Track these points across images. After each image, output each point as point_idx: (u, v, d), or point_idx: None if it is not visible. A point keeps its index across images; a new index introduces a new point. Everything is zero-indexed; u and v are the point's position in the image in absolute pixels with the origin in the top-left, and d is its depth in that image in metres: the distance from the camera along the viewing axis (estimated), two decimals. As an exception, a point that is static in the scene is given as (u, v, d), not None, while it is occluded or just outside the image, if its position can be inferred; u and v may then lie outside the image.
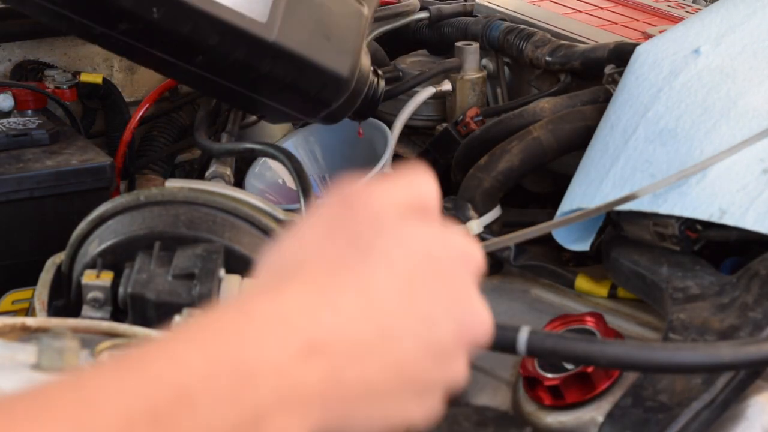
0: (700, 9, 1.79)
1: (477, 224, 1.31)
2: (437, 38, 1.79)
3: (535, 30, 1.65)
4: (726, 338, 1.04)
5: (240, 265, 1.15)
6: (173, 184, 1.22)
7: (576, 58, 1.55)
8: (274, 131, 1.65)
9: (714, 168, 1.13)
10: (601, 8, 1.85)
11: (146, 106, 1.72)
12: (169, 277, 1.10)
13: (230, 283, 1.12)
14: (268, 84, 1.29)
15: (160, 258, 1.13)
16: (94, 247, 1.17)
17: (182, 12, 1.19)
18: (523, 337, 0.92)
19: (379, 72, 1.48)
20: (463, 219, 1.31)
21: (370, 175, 1.49)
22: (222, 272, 1.12)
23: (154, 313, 1.09)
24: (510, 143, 1.34)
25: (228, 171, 1.50)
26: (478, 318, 0.70)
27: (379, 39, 1.79)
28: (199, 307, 1.00)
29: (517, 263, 1.30)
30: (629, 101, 1.26)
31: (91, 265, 1.16)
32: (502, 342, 0.93)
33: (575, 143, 1.33)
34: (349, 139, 1.63)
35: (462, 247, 0.66)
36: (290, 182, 1.53)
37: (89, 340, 0.92)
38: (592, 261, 1.32)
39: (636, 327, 1.18)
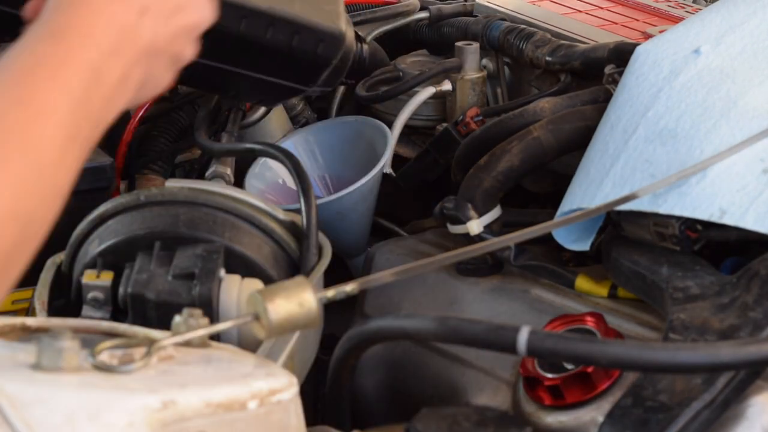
0: (700, 9, 1.79)
1: (477, 224, 1.31)
2: (437, 38, 1.79)
3: (535, 30, 1.65)
4: (726, 338, 1.04)
5: (240, 265, 1.15)
6: (173, 184, 1.22)
7: (576, 58, 1.55)
8: (274, 131, 1.65)
9: (714, 168, 1.13)
10: (601, 8, 1.85)
11: (146, 106, 1.71)
12: (169, 277, 1.10)
13: (230, 283, 1.12)
14: (268, 55, 1.31)
15: (160, 258, 1.13)
16: (94, 247, 1.17)
17: None
18: (523, 337, 0.92)
19: (360, 35, 1.49)
20: (464, 219, 1.31)
21: (370, 175, 1.49)
22: (222, 272, 1.12)
23: (154, 313, 1.09)
24: (510, 143, 1.34)
25: (228, 171, 1.50)
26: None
27: (379, 39, 1.79)
28: (199, 307, 1.00)
29: (517, 263, 1.30)
30: (629, 101, 1.26)
31: (91, 265, 1.16)
32: (502, 342, 0.94)
33: (575, 143, 1.33)
34: (349, 139, 1.63)
35: None
36: (290, 182, 1.53)
37: (89, 340, 0.92)
38: (592, 261, 1.32)
39: (636, 327, 1.18)
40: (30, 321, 0.97)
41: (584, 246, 1.26)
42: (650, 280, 1.16)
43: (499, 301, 1.29)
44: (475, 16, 1.79)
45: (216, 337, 1.02)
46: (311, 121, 1.73)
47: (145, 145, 1.71)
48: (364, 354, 1.11)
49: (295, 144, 1.63)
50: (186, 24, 0.95)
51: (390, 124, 1.62)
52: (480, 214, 1.31)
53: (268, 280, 1.15)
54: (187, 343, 0.93)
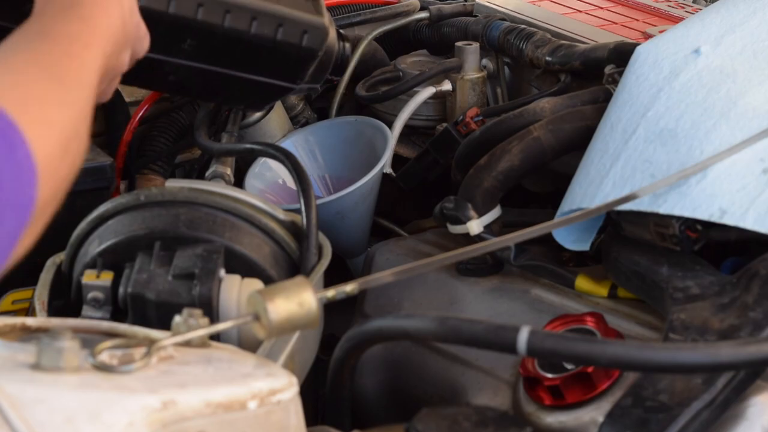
0: (700, 9, 1.79)
1: (477, 224, 1.31)
2: (437, 38, 1.79)
3: (535, 30, 1.65)
4: (726, 338, 1.04)
5: (240, 265, 1.15)
6: (173, 184, 1.22)
7: (576, 58, 1.55)
8: (274, 131, 1.65)
9: (714, 168, 1.13)
10: (601, 8, 1.85)
11: (146, 106, 1.71)
12: (169, 277, 1.10)
13: (230, 283, 1.12)
14: (255, 51, 1.32)
15: (160, 258, 1.13)
16: (94, 247, 1.17)
17: None
18: (523, 337, 0.92)
19: (341, 32, 1.50)
20: (464, 219, 1.31)
21: (370, 175, 1.49)
22: (222, 272, 1.12)
23: (154, 313, 1.09)
24: (510, 143, 1.34)
25: (228, 171, 1.49)
26: None
27: (379, 39, 1.79)
28: (199, 307, 1.00)
29: (517, 263, 1.30)
30: (629, 101, 1.26)
31: (91, 265, 1.16)
32: (502, 342, 0.94)
33: (575, 143, 1.33)
34: (349, 139, 1.63)
35: None
36: (290, 182, 1.53)
37: (89, 340, 0.92)
38: (592, 261, 1.32)
39: (636, 327, 1.18)
40: (30, 321, 0.97)
41: (584, 246, 1.27)
42: (650, 280, 1.16)
43: (499, 301, 1.29)
44: (475, 16, 1.79)
45: (216, 337, 1.02)
46: (311, 121, 1.73)
47: (145, 145, 1.71)
48: (364, 354, 1.11)
49: (295, 144, 1.63)
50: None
51: (390, 124, 1.62)
52: (480, 214, 1.31)
53: (268, 280, 1.15)
54: (187, 343, 0.93)
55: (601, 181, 1.20)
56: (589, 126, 1.32)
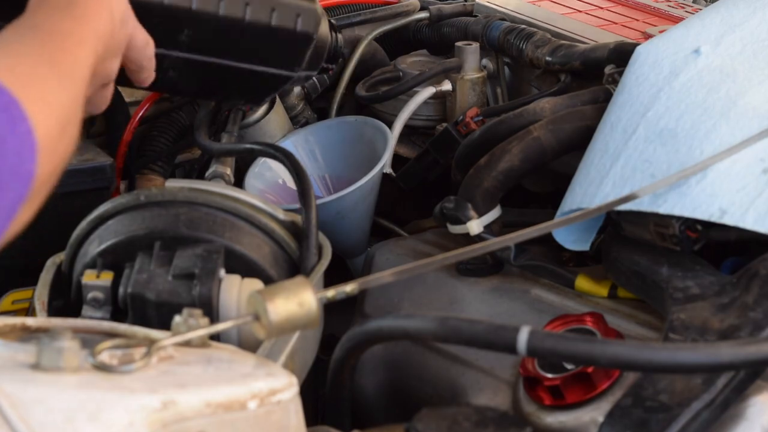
0: (700, 9, 1.79)
1: (477, 224, 1.31)
2: (437, 38, 1.79)
3: (535, 30, 1.65)
4: (726, 338, 1.04)
5: (240, 265, 1.15)
6: (173, 184, 1.22)
7: (576, 58, 1.55)
8: (274, 131, 1.65)
9: (714, 168, 1.13)
10: (601, 8, 1.85)
11: (146, 106, 1.71)
12: (169, 277, 1.10)
13: (230, 283, 1.12)
14: (250, 38, 1.32)
15: (160, 258, 1.13)
16: (94, 247, 1.17)
17: None
18: (523, 337, 0.92)
19: (332, 22, 1.50)
20: (464, 219, 1.31)
21: (370, 175, 1.49)
22: (222, 272, 1.12)
23: (154, 313, 1.09)
24: (510, 143, 1.34)
25: (228, 171, 1.49)
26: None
27: (379, 39, 1.79)
28: (199, 307, 1.00)
29: (517, 263, 1.30)
30: (629, 101, 1.26)
31: (91, 265, 1.16)
32: (502, 342, 0.94)
33: (575, 143, 1.33)
34: (349, 139, 1.63)
35: None
36: (290, 182, 1.53)
37: (89, 340, 0.92)
38: (592, 261, 1.32)
39: (636, 327, 1.18)
40: (30, 321, 0.97)
41: (584, 246, 1.27)
42: (650, 280, 1.16)
43: (499, 301, 1.29)
44: (475, 16, 1.79)
45: (216, 337, 1.02)
46: (311, 121, 1.73)
47: (145, 145, 1.71)
48: (364, 354, 1.11)
49: (295, 144, 1.63)
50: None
51: (390, 124, 1.62)
52: (480, 214, 1.31)
53: (268, 280, 1.15)
54: (187, 343, 0.93)
55: (601, 181, 1.20)
56: (589, 126, 1.32)
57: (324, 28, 1.39)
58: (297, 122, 1.71)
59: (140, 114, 1.71)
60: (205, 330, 0.92)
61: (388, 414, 1.32)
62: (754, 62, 1.25)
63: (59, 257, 1.22)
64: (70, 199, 1.42)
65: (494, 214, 1.33)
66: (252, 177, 1.57)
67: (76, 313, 1.14)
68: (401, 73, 1.72)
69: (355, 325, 1.10)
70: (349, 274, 1.57)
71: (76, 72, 0.97)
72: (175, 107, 1.75)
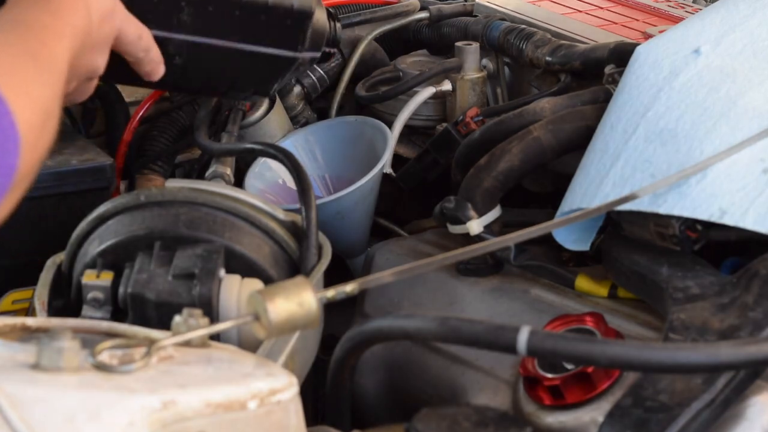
0: (700, 9, 1.79)
1: (477, 224, 1.31)
2: (437, 38, 1.79)
3: (535, 30, 1.65)
4: (726, 338, 1.04)
5: (240, 265, 1.15)
6: (173, 184, 1.22)
7: (576, 58, 1.55)
8: (274, 131, 1.65)
9: (714, 168, 1.13)
10: (601, 8, 1.85)
11: (146, 106, 1.72)
12: (169, 277, 1.10)
13: (230, 283, 1.12)
14: (249, 17, 1.32)
15: (160, 258, 1.13)
16: (94, 247, 1.17)
17: None
18: (523, 337, 0.92)
19: (330, 10, 1.50)
20: (464, 219, 1.31)
21: (370, 175, 1.49)
22: (222, 272, 1.12)
23: (154, 313, 1.09)
24: (510, 143, 1.34)
25: (228, 171, 1.49)
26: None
27: (379, 39, 1.79)
28: (199, 307, 1.00)
29: (517, 263, 1.30)
30: (629, 101, 1.26)
31: (91, 265, 1.16)
32: (502, 342, 0.94)
33: (575, 143, 1.33)
34: (349, 139, 1.63)
35: None
36: (290, 182, 1.53)
37: (89, 340, 0.92)
38: (592, 261, 1.32)
39: (636, 327, 1.18)
40: (30, 321, 0.97)
41: (584, 246, 1.27)
42: (650, 280, 1.16)
43: (499, 301, 1.29)
44: (475, 16, 1.79)
45: (216, 337, 1.02)
46: (311, 121, 1.73)
47: (145, 145, 1.71)
48: (364, 354, 1.11)
49: (295, 144, 1.63)
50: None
51: (390, 124, 1.62)
52: (480, 214, 1.31)
53: (268, 280, 1.15)
54: (187, 343, 0.93)
55: (601, 181, 1.20)
56: (589, 126, 1.32)
57: (321, 10, 1.39)
58: (297, 122, 1.71)
59: (140, 114, 1.71)
60: (205, 330, 0.92)
61: (388, 414, 1.32)
62: (754, 62, 1.25)
63: (59, 257, 1.22)
64: (70, 199, 1.43)
65: (494, 214, 1.33)
66: (252, 177, 1.57)
67: (76, 313, 1.14)
68: (401, 73, 1.72)
69: (355, 325, 1.10)
70: (349, 274, 1.57)
71: (55, 66, 0.98)
72: (175, 107, 1.75)
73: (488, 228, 1.32)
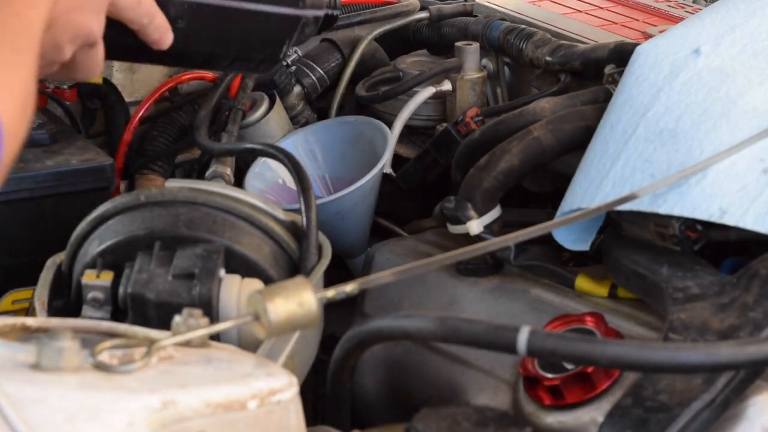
0: (700, 9, 1.79)
1: (477, 224, 1.31)
2: (437, 38, 1.79)
3: (535, 30, 1.65)
4: (726, 338, 1.04)
5: (240, 265, 1.15)
6: (173, 184, 1.22)
7: (576, 58, 1.55)
8: (274, 131, 1.65)
9: (714, 168, 1.13)
10: (601, 8, 1.85)
11: (146, 106, 1.72)
12: (169, 277, 1.10)
13: (230, 283, 1.12)
14: None
15: (160, 258, 1.13)
16: (94, 247, 1.17)
17: None
18: (523, 337, 0.92)
19: None
20: (464, 219, 1.31)
21: (370, 175, 1.49)
22: (222, 272, 1.12)
23: (154, 313, 1.09)
24: (510, 143, 1.34)
25: (228, 171, 1.50)
26: None
27: (379, 39, 1.80)
28: (199, 307, 1.00)
29: (517, 263, 1.30)
30: (629, 101, 1.26)
31: (91, 265, 1.16)
32: (502, 342, 0.93)
33: (575, 143, 1.33)
34: (349, 139, 1.63)
35: None
36: (290, 182, 1.53)
37: (89, 340, 0.92)
38: (592, 261, 1.32)
39: (636, 327, 1.18)
40: (30, 321, 0.97)
41: (584, 246, 1.27)
42: (650, 280, 1.16)
43: (499, 301, 1.29)
44: (475, 16, 1.79)
45: (216, 337, 1.02)
46: (311, 121, 1.73)
47: (145, 145, 1.71)
48: (364, 354, 1.11)
49: (295, 144, 1.63)
50: None
51: (390, 124, 1.62)
52: (480, 214, 1.31)
53: (268, 280, 1.15)
54: (187, 343, 0.93)
55: (601, 181, 1.20)
56: (589, 126, 1.32)
57: None
58: (297, 122, 1.72)
59: (140, 114, 1.71)
60: (205, 330, 0.92)
61: (388, 414, 1.32)
62: (754, 62, 1.25)
63: (59, 257, 1.22)
64: (70, 199, 1.43)
65: (494, 214, 1.33)
66: (252, 177, 1.57)
67: (76, 313, 1.14)
68: (401, 73, 1.72)
69: (355, 325, 1.10)
70: (349, 274, 1.57)
71: (31, 37, 0.95)
72: (175, 107, 1.76)
73: (488, 228, 1.32)
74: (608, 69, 1.46)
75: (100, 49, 1.08)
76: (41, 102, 1.63)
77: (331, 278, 1.18)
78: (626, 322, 1.19)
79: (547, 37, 1.63)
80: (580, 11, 1.83)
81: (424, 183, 1.59)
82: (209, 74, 1.79)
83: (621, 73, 1.33)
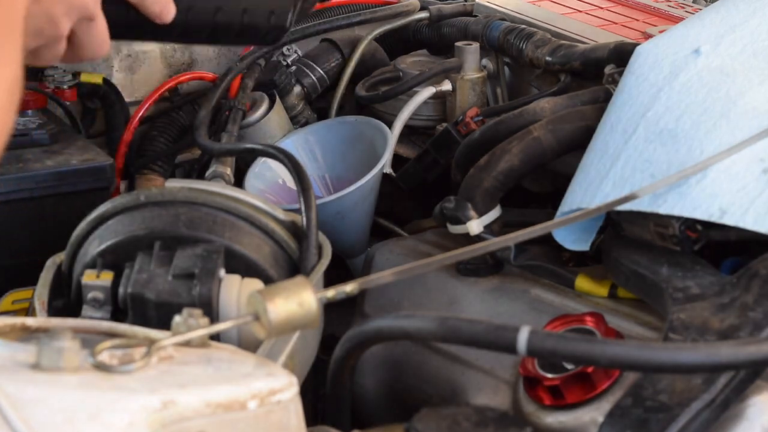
0: (700, 9, 1.79)
1: (477, 224, 1.31)
2: (437, 38, 1.79)
3: (535, 30, 1.65)
4: (726, 338, 1.04)
5: (240, 265, 1.15)
6: (173, 184, 1.22)
7: (576, 58, 1.55)
8: (274, 131, 1.65)
9: (714, 168, 1.13)
10: (601, 8, 1.85)
11: (146, 106, 1.72)
12: (169, 277, 1.10)
13: (230, 283, 1.12)
14: None
15: (160, 258, 1.13)
16: (94, 247, 1.17)
17: None
18: (523, 337, 0.92)
19: None
20: (464, 219, 1.31)
21: (370, 175, 1.49)
22: (222, 272, 1.12)
23: (154, 313, 1.09)
24: (510, 143, 1.34)
25: (228, 171, 1.50)
26: None
27: (379, 39, 1.80)
28: (199, 307, 1.00)
29: (517, 263, 1.30)
30: (629, 101, 1.26)
31: (91, 265, 1.16)
32: (502, 342, 0.93)
33: (575, 143, 1.33)
34: (349, 139, 1.63)
35: None
36: (290, 182, 1.53)
37: (89, 340, 0.92)
38: (592, 261, 1.32)
39: (636, 327, 1.18)
40: (30, 321, 0.97)
41: (584, 246, 1.26)
42: (650, 280, 1.16)
43: (499, 301, 1.29)
44: (475, 16, 1.79)
45: (216, 337, 1.02)
46: (311, 121, 1.73)
47: (145, 145, 1.71)
48: (364, 354, 1.11)
49: (295, 144, 1.63)
50: None
51: (390, 124, 1.62)
52: (480, 214, 1.31)
53: (268, 280, 1.15)
54: (187, 343, 0.93)
55: (601, 181, 1.20)
56: (589, 126, 1.32)
57: None
58: (297, 122, 1.72)
59: (140, 114, 1.71)
60: (205, 330, 0.92)
61: (388, 414, 1.32)
62: (754, 62, 1.25)
63: (59, 257, 1.22)
64: (70, 199, 1.43)
65: (494, 214, 1.33)
66: (252, 177, 1.57)
67: (76, 313, 1.14)
68: (401, 73, 1.72)
69: (355, 325, 1.10)
70: (349, 274, 1.57)
71: (15, 17, 0.91)
72: (175, 107, 1.76)
73: (488, 228, 1.32)
74: (608, 69, 1.46)
75: (101, 24, 1.06)
76: (41, 102, 1.64)
77: (331, 278, 1.18)
78: (626, 322, 1.19)
79: (547, 37, 1.63)
80: (580, 11, 1.83)
81: (424, 183, 1.59)
82: (209, 74, 1.79)
83: (621, 73, 1.33)
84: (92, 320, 1.09)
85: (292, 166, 1.29)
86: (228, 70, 1.67)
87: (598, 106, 1.35)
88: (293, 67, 1.75)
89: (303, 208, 1.23)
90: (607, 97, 1.37)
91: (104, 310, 1.13)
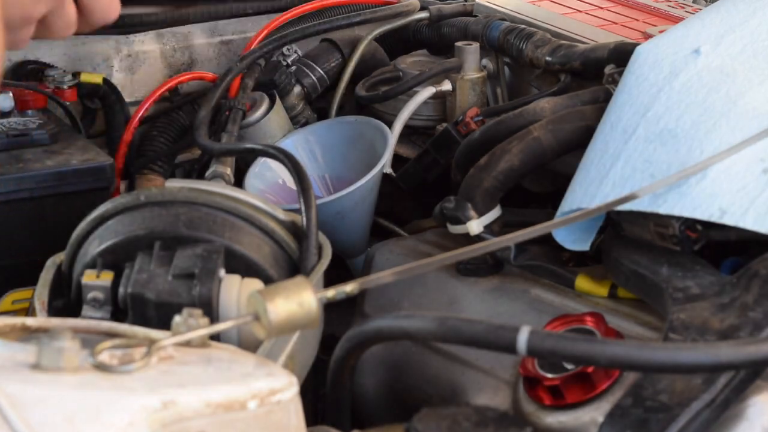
0: (700, 9, 1.79)
1: (477, 224, 1.31)
2: (437, 38, 1.79)
3: (535, 30, 1.65)
4: (726, 338, 1.04)
5: (240, 265, 1.15)
6: (173, 184, 1.22)
7: (576, 58, 1.55)
8: (274, 131, 1.65)
9: (714, 168, 1.13)
10: (601, 8, 1.85)
11: (146, 106, 1.72)
12: (169, 277, 1.10)
13: (230, 283, 1.12)
14: None
15: (160, 258, 1.13)
16: (94, 247, 1.17)
17: None
18: (523, 337, 0.92)
19: None
20: (464, 219, 1.31)
21: (370, 175, 1.49)
22: (222, 272, 1.12)
23: (154, 313, 1.09)
24: (510, 143, 1.34)
25: (228, 171, 1.50)
26: None
27: (379, 39, 1.80)
28: (199, 307, 1.00)
29: (517, 263, 1.30)
30: (629, 101, 1.26)
31: (91, 265, 1.16)
32: (502, 342, 0.93)
33: (575, 143, 1.33)
34: (349, 139, 1.63)
35: None
36: (290, 182, 1.53)
37: (89, 340, 0.92)
38: (592, 261, 1.32)
39: (636, 327, 1.18)
40: (30, 321, 0.97)
41: (584, 246, 1.26)
42: (650, 280, 1.16)
43: (499, 301, 1.29)
44: (475, 16, 1.79)
45: (216, 337, 1.02)
46: (311, 121, 1.73)
47: (145, 145, 1.71)
48: (364, 354, 1.11)
49: (295, 144, 1.63)
50: None
51: (390, 124, 1.62)
52: (480, 214, 1.31)
53: (268, 280, 1.15)
54: (187, 343, 0.93)
55: (601, 181, 1.20)
56: (589, 126, 1.32)
57: None
58: (297, 122, 1.72)
59: (140, 114, 1.71)
60: (205, 330, 0.92)
61: (388, 414, 1.32)
62: (754, 62, 1.25)
63: (59, 257, 1.22)
64: (70, 199, 1.43)
65: (494, 214, 1.33)
66: (252, 177, 1.57)
67: (76, 313, 1.14)
68: (401, 73, 1.72)
69: (355, 325, 1.10)
70: (349, 274, 1.57)
71: None
72: (175, 107, 1.76)
73: (488, 228, 1.32)
74: (608, 69, 1.46)
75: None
76: (41, 102, 1.64)
77: (331, 278, 1.18)
78: (626, 322, 1.19)
79: (547, 37, 1.63)
80: (580, 11, 1.83)
81: (424, 183, 1.59)
82: (209, 74, 1.79)
83: (621, 73, 1.33)
84: (92, 320, 1.09)
85: (292, 166, 1.29)
86: (228, 70, 1.67)
87: (598, 106, 1.35)
88: (293, 67, 1.75)
89: (303, 208, 1.23)
90: (607, 97, 1.37)
91: (104, 310, 1.13)
